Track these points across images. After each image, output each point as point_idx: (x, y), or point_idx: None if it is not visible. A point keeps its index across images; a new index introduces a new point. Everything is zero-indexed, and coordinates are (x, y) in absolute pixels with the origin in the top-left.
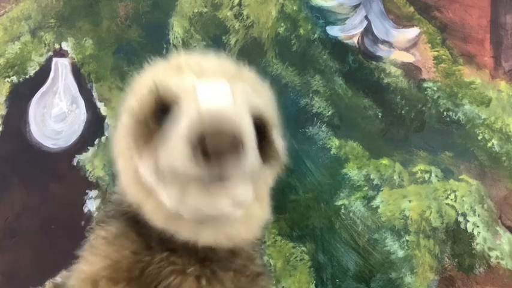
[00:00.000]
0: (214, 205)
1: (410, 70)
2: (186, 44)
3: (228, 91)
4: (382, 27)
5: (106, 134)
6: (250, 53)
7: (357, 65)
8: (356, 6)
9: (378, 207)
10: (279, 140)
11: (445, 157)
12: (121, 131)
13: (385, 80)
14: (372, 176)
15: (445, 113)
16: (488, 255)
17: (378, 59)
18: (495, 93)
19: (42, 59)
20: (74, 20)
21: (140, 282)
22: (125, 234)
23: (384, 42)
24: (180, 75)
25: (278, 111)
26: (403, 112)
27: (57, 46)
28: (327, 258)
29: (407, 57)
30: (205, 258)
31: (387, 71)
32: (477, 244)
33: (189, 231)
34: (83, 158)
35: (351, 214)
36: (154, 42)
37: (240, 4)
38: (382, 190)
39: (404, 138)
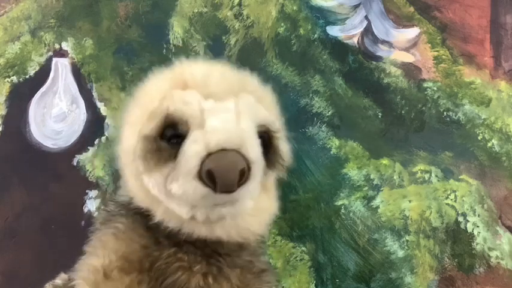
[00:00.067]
0: (225, 209)
1: (410, 70)
2: (186, 44)
3: (233, 114)
4: (382, 27)
5: (106, 134)
6: (250, 53)
7: (357, 65)
8: (356, 6)
9: (378, 207)
10: (284, 145)
11: (445, 157)
12: (127, 145)
13: (385, 80)
14: (372, 176)
15: (445, 113)
16: (488, 255)
17: (378, 59)
18: (495, 93)
19: (42, 59)
20: (74, 20)
21: (150, 275)
22: (134, 230)
23: (383, 42)
24: (187, 92)
25: (279, 112)
26: (403, 112)
27: (57, 46)
28: (327, 258)
29: (407, 57)
30: (213, 255)
31: (387, 71)
32: (477, 244)
33: (203, 230)
34: (83, 158)
35: (351, 214)
36: (154, 42)
37: (240, 4)
38: (382, 190)
39: (404, 138)
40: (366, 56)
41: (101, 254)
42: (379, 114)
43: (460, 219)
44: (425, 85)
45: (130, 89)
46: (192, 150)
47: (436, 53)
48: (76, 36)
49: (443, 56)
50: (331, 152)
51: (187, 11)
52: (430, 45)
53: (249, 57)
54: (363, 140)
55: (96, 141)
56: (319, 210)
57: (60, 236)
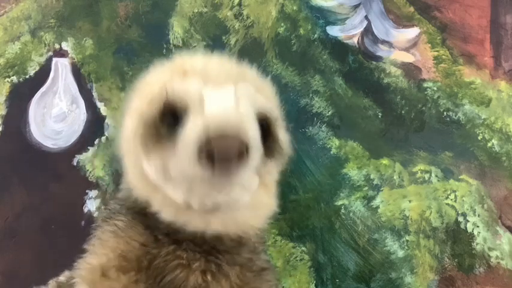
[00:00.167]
0: (221, 195)
1: (410, 70)
2: (186, 44)
3: (232, 98)
4: (382, 27)
5: (106, 134)
6: (250, 53)
7: (357, 65)
8: (356, 6)
9: (378, 207)
10: (283, 135)
11: (445, 157)
12: (128, 131)
13: (385, 80)
14: (372, 176)
15: (445, 113)
16: (488, 255)
17: (378, 59)
18: (495, 93)
19: (42, 59)
20: (74, 20)
21: (148, 274)
22: (133, 228)
23: (383, 42)
24: (187, 79)
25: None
26: (403, 112)
27: (57, 46)
28: (327, 258)
29: (407, 57)
30: (212, 251)
31: (387, 71)
32: (477, 244)
33: (199, 221)
34: (83, 158)
35: (351, 214)
36: (154, 42)
37: (240, 4)
38: (382, 190)
39: (404, 138)
40: (366, 56)
41: (99, 252)
42: (379, 114)
43: (460, 219)
44: (425, 85)
45: (130, 89)
46: (191, 133)
47: (436, 53)
48: (76, 36)
49: (443, 56)
50: (331, 152)
51: (187, 11)
52: (430, 45)
53: (249, 57)
54: (363, 140)
55: (96, 141)
56: (319, 210)
57: (60, 236)
